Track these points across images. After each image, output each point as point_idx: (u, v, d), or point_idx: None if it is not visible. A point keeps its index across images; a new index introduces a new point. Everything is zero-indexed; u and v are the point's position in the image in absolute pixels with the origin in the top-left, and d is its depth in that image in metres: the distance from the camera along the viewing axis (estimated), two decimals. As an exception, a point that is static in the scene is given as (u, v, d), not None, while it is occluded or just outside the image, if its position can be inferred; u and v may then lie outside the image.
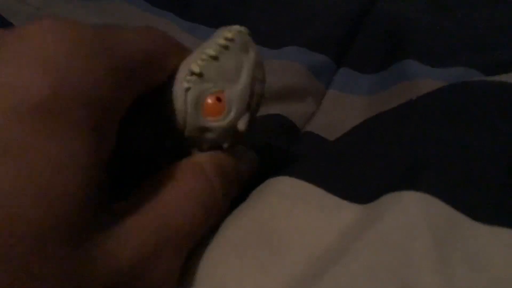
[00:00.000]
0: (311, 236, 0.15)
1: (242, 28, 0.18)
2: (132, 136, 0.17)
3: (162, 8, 0.40)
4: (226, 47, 0.18)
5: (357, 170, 0.17)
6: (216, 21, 0.37)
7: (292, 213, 0.16)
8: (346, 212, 0.15)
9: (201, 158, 0.17)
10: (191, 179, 0.16)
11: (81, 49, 0.13)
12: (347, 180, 0.17)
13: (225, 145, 0.18)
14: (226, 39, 0.18)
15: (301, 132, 0.28)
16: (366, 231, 0.14)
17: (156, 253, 0.14)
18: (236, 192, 0.18)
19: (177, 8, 0.40)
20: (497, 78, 0.19)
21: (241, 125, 0.17)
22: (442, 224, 0.13)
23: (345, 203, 0.16)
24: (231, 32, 0.18)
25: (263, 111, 0.27)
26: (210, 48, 0.17)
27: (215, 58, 0.17)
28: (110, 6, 0.39)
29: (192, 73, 0.17)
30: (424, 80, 0.28)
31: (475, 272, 0.12)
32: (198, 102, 0.17)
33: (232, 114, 0.17)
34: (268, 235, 0.16)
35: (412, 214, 0.14)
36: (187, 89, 0.17)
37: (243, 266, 0.15)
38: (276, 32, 0.36)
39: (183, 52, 0.18)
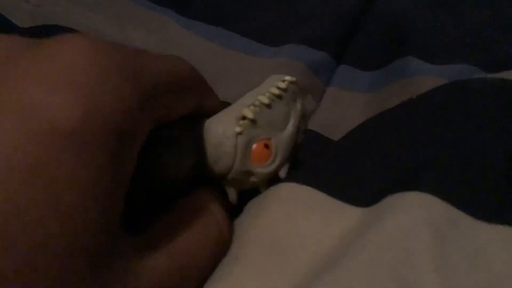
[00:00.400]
0: (313, 241, 0.15)
1: (294, 79, 0.19)
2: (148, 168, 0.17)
3: (161, 4, 0.40)
4: (279, 97, 0.18)
5: (358, 173, 0.17)
6: (215, 18, 0.37)
7: (292, 218, 0.16)
8: (348, 215, 0.16)
9: (207, 198, 0.17)
10: (204, 226, 0.16)
11: (112, 74, 0.13)
12: (348, 183, 0.17)
13: (262, 190, 0.18)
14: (280, 88, 0.18)
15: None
16: (367, 232, 0.14)
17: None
18: None
19: (176, 4, 0.40)
20: (497, 75, 0.19)
21: (283, 173, 0.18)
22: (442, 223, 0.14)
23: (347, 207, 0.16)
24: (284, 82, 0.19)
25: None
26: (264, 96, 0.18)
27: (268, 106, 0.18)
28: (109, 2, 0.39)
29: (245, 118, 0.17)
30: (424, 77, 0.28)
31: (475, 270, 0.13)
32: (248, 147, 0.17)
33: (277, 162, 0.18)
34: (268, 242, 0.16)
35: (412, 214, 0.14)
36: (238, 133, 0.17)
37: (245, 275, 0.15)
38: (275, 29, 0.36)
39: (207, 90, 0.18)
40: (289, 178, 0.18)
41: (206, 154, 0.17)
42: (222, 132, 0.17)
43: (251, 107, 0.18)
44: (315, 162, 0.19)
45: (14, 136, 0.11)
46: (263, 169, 0.18)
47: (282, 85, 0.18)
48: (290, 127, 0.18)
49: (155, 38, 0.35)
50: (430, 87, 0.21)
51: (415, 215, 0.14)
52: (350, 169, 0.17)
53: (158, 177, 0.17)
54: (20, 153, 0.11)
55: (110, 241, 0.12)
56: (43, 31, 0.32)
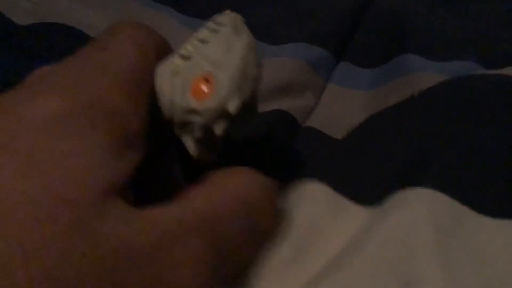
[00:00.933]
0: (320, 238, 0.15)
1: (234, 14, 0.18)
2: None
3: (160, 2, 0.40)
4: (215, 31, 0.17)
5: (362, 171, 0.17)
6: (214, 15, 0.37)
7: (300, 213, 0.16)
8: (353, 214, 0.15)
9: (248, 168, 0.17)
10: (227, 184, 0.16)
11: (88, 74, 0.15)
12: (352, 181, 0.17)
13: (218, 131, 0.17)
14: (217, 23, 0.18)
15: (301, 127, 0.28)
16: (370, 231, 0.14)
17: (177, 241, 0.13)
18: None
19: (175, 2, 0.40)
20: (498, 71, 0.19)
21: (232, 106, 0.17)
22: (446, 218, 0.13)
23: (352, 205, 0.16)
24: (222, 17, 0.18)
25: (263, 107, 0.27)
26: (199, 32, 0.17)
27: (203, 41, 0.17)
28: (108, 0, 0.39)
29: (180, 56, 0.17)
30: (425, 74, 0.28)
31: (479, 266, 0.12)
32: (185, 85, 0.17)
33: (221, 95, 0.16)
34: (280, 238, 0.15)
35: (415, 211, 0.14)
36: (175, 72, 0.17)
37: (255, 266, 0.15)
38: (275, 27, 0.36)
39: (167, 45, 0.18)
40: (296, 172, 0.18)
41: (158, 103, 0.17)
42: (159, 75, 0.17)
43: (187, 46, 0.17)
44: (320, 158, 0.19)
45: (10, 127, 0.13)
46: (207, 104, 0.16)
47: (220, 19, 0.18)
48: (234, 60, 0.17)
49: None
50: (430, 84, 0.21)
51: (417, 211, 0.14)
52: (354, 167, 0.17)
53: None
54: (14, 145, 0.12)
55: (99, 195, 0.13)
56: (42, 29, 0.32)
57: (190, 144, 0.17)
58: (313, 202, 0.16)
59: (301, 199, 0.16)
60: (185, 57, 0.17)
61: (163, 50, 0.18)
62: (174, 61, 0.17)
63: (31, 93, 0.14)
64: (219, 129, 0.17)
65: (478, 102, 0.17)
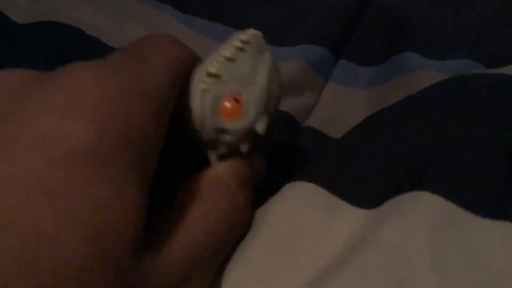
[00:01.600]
0: (313, 242, 0.15)
1: (257, 32, 0.18)
2: None
3: (160, 0, 0.40)
4: (241, 49, 0.18)
5: (360, 173, 0.17)
6: (214, 15, 0.37)
7: (295, 217, 0.16)
8: (350, 217, 0.15)
9: (222, 171, 0.17)
10: (216, 195, 0.16)
11: (122, 96, 0.13)
12: (350, 183, 0.16)
13: (243, 148, 0.18)
14: (242, 41, 0.18)
15: (301, 126, 0.28)
16: (366, 235, 0.14)
17: (188, 276, 0.14)
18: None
19: (175, 1, 0.40)
20: (498, 70, 0.19)
21: (260, 126, 0.17)
22: (440, 220, 0.13)
23: (349, 207, 0.16)
24: (246, 35, 0.18)
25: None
26: (226, 50, 0.17)
27: (231, 60, 0.17)
28: (107, -2, 0.39)
29: (209, 74, 0.17)
30: (424, 72, 0.27)
31: (474, 268, 0.12)
32: (216, 103, 0.17)
33: (250, 116, 0.17)
34: (271, 241, 0.15)
35: (410, 214, 0.14)
36: (204, 90, 0.17)
37: (245, 275, 0.15)
38: (274, 25, 0.36)
39: (197, 59, 0.18)
40: (292, 175, 0.18)
41: (183, 119, 0.17)
42: (191, 93, 0.17)
43: (214, 63, 0.17)
44: (317, 160, 0.19)
45: (32, 163, 0.12)
46: (236, 124, 0.17)
47: (244, 37, 0.18)
48: (260, 79, 0.18)
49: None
50: (429, 83, 0.21)
51: (412, 215, 0.14)
52: (352, 169, 0.17)
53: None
54: (40, 178, 0.11)
55: (133, 249, 0.12)
56: (41, 28, 0.32)
57: (214, 158, 0.18)
58: (308, 205, 0.16)
59: (297, 202, 0.16)
60: (213, 75, 0.17)
61: (194, 63, 0.18)
62: (203, 79, 0.17)
63: (59, 112, 0.13)
64: (245, 147, 0.18)
65: (476, 102, 0.17)
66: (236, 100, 0.17)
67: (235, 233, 0.16)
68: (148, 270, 0.13)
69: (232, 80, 0.17)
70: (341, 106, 0.30)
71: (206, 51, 0.33)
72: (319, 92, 0.31)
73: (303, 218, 0.16)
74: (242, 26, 0.35)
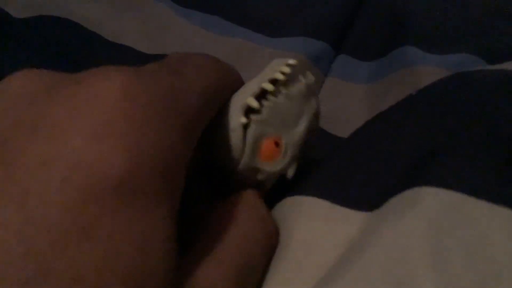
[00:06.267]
0: (317, 252, 0.15)
1: (306, 63, 0.18)
2: None
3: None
4: (288, 85, 0.17)
5: (361, 176, 0.17)
6: (213, 8, 0.37)
7: (297, 230, 0.16)
8: (352, 222, 0.15)
9: (252, 197, 0.16)
10: (250, 222, 0.15)
11: (152, 113, 0.12)
12: (351, 187, 0.16)
13: (268, 186, 0.18)
14: (291, 74, 0.17)
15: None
16: (366, 236, 0.14)
17: None
18: None
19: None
20: (499, 66, 0.18)
21: (290, 172, 0.17)
22: (441, 212, 0.13)
23: (351, 212, 0.15)
24: (297, 67, 0.17)
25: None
26: (271, 75, 0.17)
27: (274, 95, 0.17)
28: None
29: (251, 109, 0.16)
30: (424, 66, 0.27)
31: (473, 261, 0.12)
32: (256, 143, 0.16)
33: (286, 161, 0.17)
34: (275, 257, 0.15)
35: (409, 210, 0.13)
36: (245, 125, 0.16)
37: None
38: (273, 19, 0.36)
39: (240, 83, 0.17)
40: (293, 189, 0.17)
41: (215, 146, 0.17)
42: (231, 129, 0.16)
43: (254, 91, 0.16)
44: (318, 167, 0.18)
45: (62, 196, 0.11)
46: (271, 167, 0.17)
47: (286, 70, 0.17)
48: (302, 126, 0.17)
49: (152, 27, 0.34)
50: (429, 77, 0.20)
51: (412, 211, 0.13)
52: (353, 172, 0.17)
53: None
54: (71, 215, 0.10)
55: (171, 281, 0.12)
56: (39, 22, 0.32)
57: (237, 187, 0.17)
58: (310, 219, 0.16)
59: (299, 215, 0.16)
60: (255, 110, 0.16)
61: (236, 87, 0.17)
62: (244, 111, 0.16)
63: (87, 132, 0.11)
64: (270, 184, 0.18)
65: (477, 98, 0.17)
66: (276, 144, 0.17)
67: (268, 258, 0.16)
68: None
69: (275, 120, 0.17)
70: (341, 100, 0.29)
71: (207, 45, 0.33)
72: (319, 86, 0.31)
73: (305, 232, 0.16)
74: (240, 20, 0.35)
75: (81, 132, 0.11)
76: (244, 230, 0.15)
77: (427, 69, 0.27)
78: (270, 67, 0.18)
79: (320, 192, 0.16)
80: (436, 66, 0.27)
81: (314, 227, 0.15)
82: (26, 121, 0.12)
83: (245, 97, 0.16)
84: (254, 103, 0.16)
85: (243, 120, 0.16)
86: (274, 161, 0.17)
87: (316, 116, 0.18)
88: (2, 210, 0.10)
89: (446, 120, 0.16)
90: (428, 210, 0.13)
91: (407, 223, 0.13)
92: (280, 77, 0.17)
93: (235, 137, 0.16)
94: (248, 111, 0.16)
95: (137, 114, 0.12)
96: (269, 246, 0.16)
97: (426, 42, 0.30)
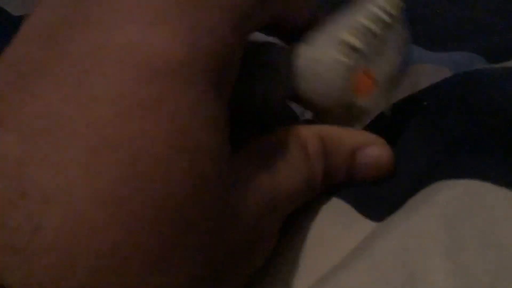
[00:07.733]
0: (333, 250, 0.15)
1: (403, 4, 0.16)
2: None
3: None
4: (387, 26, 0.16)
5: (374, 184, 0.16)
6: None
7: (319, 228, 0.15)
8: (364, 230, 0.15)
9: (307, 133, 0.15)
10: (297, 158, 0.15)
11: (208, 3, 0.12)
12: (366, 196, 0.16)
13: (357, 126, 0.16)
14: (391, 15, 0.16)
15: (300, 120, 0.28)
16: (379, 227, 0.14)
17: (268, 214, 0.14)
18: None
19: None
20: (502, 65, 0.18)
21: (388, 111, 0.16)
22: (457, 200, 0.13)
23: (365, 221, 0.15)
24: (395, 7, 0.16)
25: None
26: (371, 21, 0.16)
27: (374, 34, 0.16)
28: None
29: (349, 46, 0.15)
30: (424, 65, 0.27)
31: (487, 249, 0.12)
32: (351, 76, 0.15)
33: (381, 95, 0.16)
34: (294, 251, 0.15)
35: (425, 203, 0.13)
36: (342, 61, 0.15)
37: (270, 284, 0.15)
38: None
39: None
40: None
41: (301, 83, 0.16)
42: (324, 59, 0.15)
43: (357, 33, 0.15)
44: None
45: (122, 75, 0.11)
46: (366, 102, 0.15)
47: (394, 11, 0.16)
48: (394, 58, 0.16)
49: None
50: (429, 75, 0.20)
51: (427, 204, 0.13)
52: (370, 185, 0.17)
53: (251, 103, 0.16)
54: (133, 90, 0.11)
55: (225, 166, 0.12)
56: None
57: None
58: (331, 221, 0.16)
59: (321, 218, 0.16)
60: (356, 49, 0.15)
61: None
62: (341, 50, 0.15)
63: (141, 19, 0.11)
64: (359, 125, 0.17)
65: (481, 97, 0.17)
66: (368, 77, 0.15)
67: (306, 196, 0.15)
68: (234, 203, 0.12)
69: (369, 54, 0.15)
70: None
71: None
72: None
73: (327, 230, 0.15)
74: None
75: (133, 19, 0.11)
76: (294, 161, 0.15)
77: (426, 67, 0.27)
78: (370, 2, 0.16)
79: (343, 194, 0.16)
80: (436, 64, 0.27)
81: (335, 229, 0.15)
82: (78, 13, 0.12)
83: (337, 30, 0.16)
84: (356, 42, 0.15)
85: (344, 58, 0.15)
86: (370, 95, 0.16)
87: (408, 47, 0.17)
88: (61, 87, 0.11)
89: (460, 116, 0.16)
90: (443, 199, 0.13)
91: (421, 213, 0.13)
92: (385, 18, 0.16)
93: (329, 73, 0.15)
94: (344, 45, 0.15)
95: (189, 3, 0.12)
96: (309, 190, 0.15)
97: (426, 40, 0.30)
